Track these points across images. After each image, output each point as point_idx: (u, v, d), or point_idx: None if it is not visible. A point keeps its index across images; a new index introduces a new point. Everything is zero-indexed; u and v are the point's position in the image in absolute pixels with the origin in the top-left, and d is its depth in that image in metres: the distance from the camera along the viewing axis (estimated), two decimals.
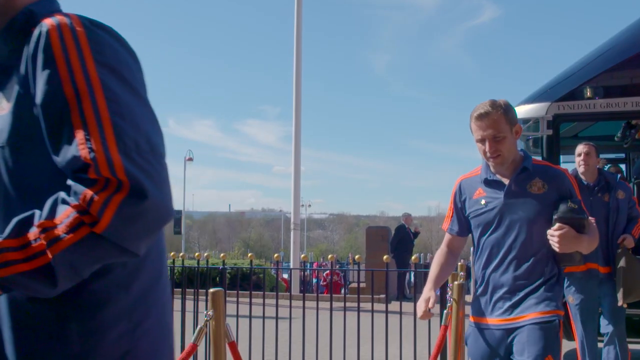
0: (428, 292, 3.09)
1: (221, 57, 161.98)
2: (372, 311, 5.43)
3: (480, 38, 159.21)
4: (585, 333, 4.98)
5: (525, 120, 6.69)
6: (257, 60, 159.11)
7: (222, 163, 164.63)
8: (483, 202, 2.94)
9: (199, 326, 2.69)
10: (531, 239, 2.82)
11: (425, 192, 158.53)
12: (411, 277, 17.99)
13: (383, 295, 5.57)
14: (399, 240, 15.02)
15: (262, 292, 6.05)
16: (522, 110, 6.75)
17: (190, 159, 36.19)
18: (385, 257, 5.42)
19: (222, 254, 6.25)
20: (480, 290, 2.98)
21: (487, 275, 2.93)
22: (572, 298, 5.04)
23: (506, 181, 2.92)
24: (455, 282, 3.82)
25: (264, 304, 5.64)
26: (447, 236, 3.23)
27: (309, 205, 70.71)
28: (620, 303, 4.85)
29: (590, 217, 2.88)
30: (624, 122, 6.96)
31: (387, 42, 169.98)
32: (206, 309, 2.90)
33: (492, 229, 2.91)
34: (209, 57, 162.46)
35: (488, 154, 2.83)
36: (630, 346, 4.87)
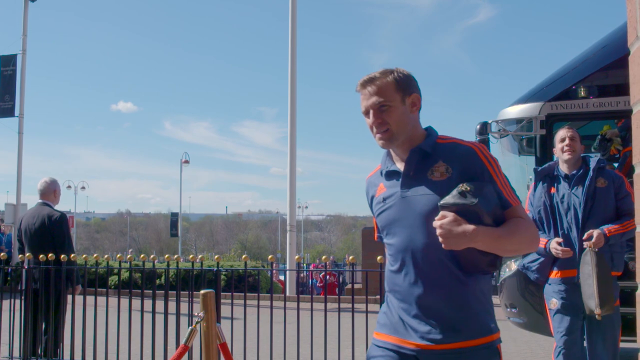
0: None
1: (218, 59, 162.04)
2: (367, 312, 5.43)
3: (477, 37, 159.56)
4: (565, 343, 4.29)
5: (519, 120, 6.70)
6: (254, 61, 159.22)
7: (219, 165, 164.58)
8: (382, 199, 2.37)
9: (189, 328, 2.68)
10: (435, 243, 2.14)
11: None
12: None
13: (378, 296, 5.56)
14: None
15: (257, 294, 6.04)
16: (516, 110, 6.76)
17: (187, 161, 36.15)
18: (379, 257, 5.40)
19: (216, 256, 6.24)
20: (391, 303, 2.35)
21: (396, 285, 2.32)
22: (554, 301, 4.39)
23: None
24: None
25: (258, 306, 5.64)
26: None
27: (306, 207, 70.70)
28: (597, 312, 4.03)
29: (515, 206, 2.23)
30: (599, 136, 6.89)
31: (385, 42, 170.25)
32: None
33: (392, 231, 2.32)
34: (205, 58, 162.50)
35: (374, 129, 2.29)
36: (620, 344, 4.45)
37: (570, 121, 7.27)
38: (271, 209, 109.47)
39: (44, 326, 6.34)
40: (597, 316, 4.05)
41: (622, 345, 6.26)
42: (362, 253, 15.25)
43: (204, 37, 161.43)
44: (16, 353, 6.40)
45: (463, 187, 2.10)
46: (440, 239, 2.08)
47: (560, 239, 4.29)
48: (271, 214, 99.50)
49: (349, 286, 16.70)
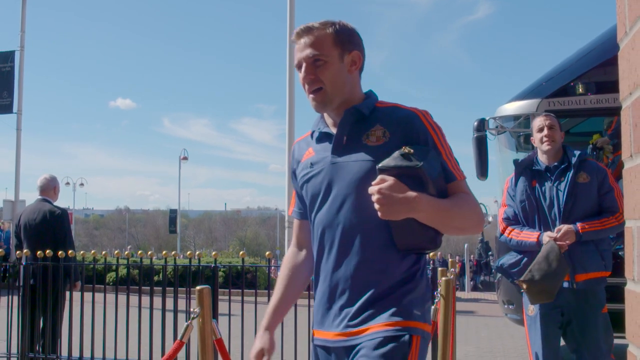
0: (261, 335, 2.17)
1: (216, 56, 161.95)
2: None
3: (475, 34, 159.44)
4: (543, 353, 3.93)
5: (516, 117, 6.72)
6: (253, 58, 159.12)
7: (218, 162, 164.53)
8: (310, 164, 2.08)
9: (185, 324, 2.69)
10: (367, 215, 1.89)
11: None
12: None
13: None
14: None
15: (254, 291, 6.05)
16: (513, 107, 6.78)
17: (185, 158, 36.14)
18: None
19: (213, 252, 6.25)
20: (317, 292, 2.08)
21: (321, 271, 2.05)
22: (531, 308, 3.97)
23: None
24: (444, 278, 3.81)
25: (255, 302, 5.65)
26: (294, 224, 2.26)
27: None
28: (518, 279, 3.85)
29: (460, 180, 1.98)
30: (590, 145, 6.86)
31: (383, 39, 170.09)
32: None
33: (319, 202, 2.03)
34: (204, 56, 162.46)
35: (306, 87, 2.02)
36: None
37: (568, 118, 7.30)
38: (270, 205, 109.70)
39: (41, 323, 6.35)
40: (518, 283, 3.86)
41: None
42: None
43: (202, 35, 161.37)
44: (14, 350, 6.41)
45: (406, 149, 1.84)
46: (376, 206, 1.79)
47: (553, 234, 3.88)
48: (270, 210, 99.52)
49: None
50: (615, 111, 6.62)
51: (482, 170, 6.74)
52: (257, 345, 2.13)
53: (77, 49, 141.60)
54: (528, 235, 4.00)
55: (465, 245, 26.45)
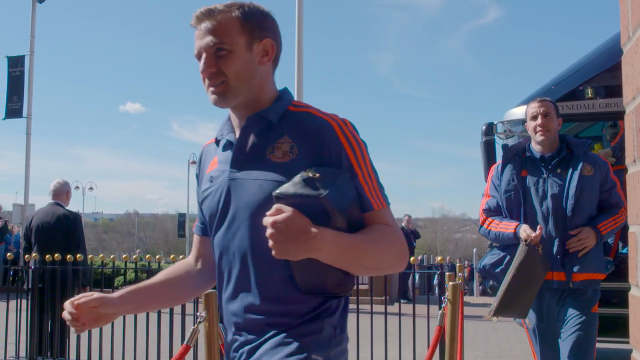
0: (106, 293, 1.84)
1: None
2: (372, 312, 5.44)
3: (484, 38, 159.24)
4: None
5: (525, 121, 6.68)
6: None
7: None
8: (210, 178, 1.77)
9: (191, 328, 2.70)
10: (265, 245, 1.49)
11: (429, 192, 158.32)
12: (415, 278, 18.03)
13: (383, 297, 5.56)
14: None
15: None
16: (522, 111, 6.74)
17: (194, 162, 36.18)
18: None
19: None
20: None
21: (222, 299, 1.75)
22: (527, 320, 3.63)
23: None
24: (451, 283, 3.79)
25: None
26: (194, 239, 1.96)
27: None
28: (486, 315, 3.52)
29: (380, 210, 1.62)
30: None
31: (391, 42, 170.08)
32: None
33: (216, 223, 1.72)
34: None
35: (205, 81, 1.68)
36: (599, 345, 3.92)
37: (577, 122, 7.27)
38: None
39: (50, 326, 6.38)
40: (485, 317, 3.52)
41: (615, 346, 6.26)
42: None
43: None
44: (22, 353, 6.43)
45: (309, 172, 1.50)
46: (270, 243, 1.45)
47: (530, 232, 3.47)
48: None
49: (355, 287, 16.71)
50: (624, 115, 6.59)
51: None
52: (92, 293, 1.76)
53: (87, 53, 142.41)
54: (506, 226, 3.61)
55: (474, 250, 26.39)
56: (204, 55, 1.65)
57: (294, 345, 1.56)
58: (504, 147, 3.86)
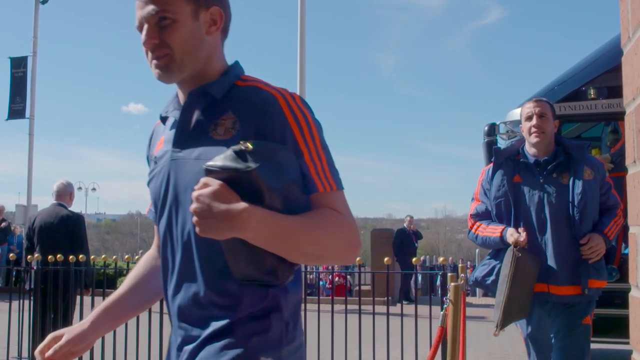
0: (75, 326, 1.73)
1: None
2: (374, 313, 5.43)
3: (486, 38, 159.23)
4: None
5: None
6: (263, 63, 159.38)
7: None
8: (155, 159, 1.66)
9: None
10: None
11: (432, 193, 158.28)
12: (418, 278, 18.03)
13: (385, 298, 5.57)
14: (400, 243, 15.14)
15: None
16: None
17: None
18: (386, 259, 5.41)
19: None
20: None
21: (167, 291, 1.60)
22: (521, 329, 3.52)
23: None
24: (453, 284, 3.79)
25: None
26: (154, 228, 1.79)
27: None
28: (494, 332, 3.32)
29: (327, 192, 1.48)
30: None
31: (394, 43, 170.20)
32: None
33: (159, 207, 1.61)
34: None
35: (148, 54, 1.54)
36: (594, 346, 3.86)
37: (579, 122, 7.27)
38: None
39: (52, 326, 6.39)
40: (493, 334, 3.32)
41: (616, 347, 6.25)
42: (372, 255, 15.26)
43: None
44: (25, 353, 6.45)
45: (243, 145, 1.35)
46: (193, 219, 1.33)
47: (517, 235, 3.32)
48: None
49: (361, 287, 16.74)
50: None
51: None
52: (61, 330, 1.71)
53: (90, 53, 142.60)
54: (492, 230, 3.46)
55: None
56: (145, 26, 1.52)
57: (238, 350, 1.43)
58: (495, 150, 3.68)
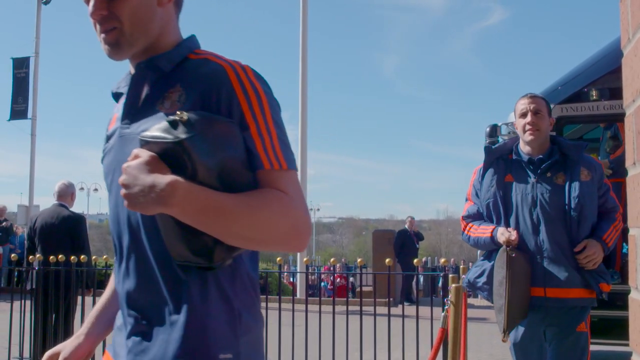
0: (71, 339, 1.67)
1: None
2: (375, 315, 5.43)
3: (489, 40, 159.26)
4: None
5: None
6: (265, 64, 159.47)
7: None
8: (107, 137, 1.58)
9: None
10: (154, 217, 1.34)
11: (434, 194, 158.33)
12: (420, 280, 18.03)
13: (387, 299, 5.56)
14: (402, 244, 15.14)
15: (265, 296, 6.06)
16: None
17: None
18: (387, 260, 5.40)
19: None
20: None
21: (118, 280, 1.51)
22: (508, 336, 3.32)
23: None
24: (454, 285, 3.78)
25: (267, 308, 5.64)
26: None
27: (318, 209, 70.70)
28: (503, 339, 3.24)
29: (275, 170, 1.35)
30: None
31: (396, 44, 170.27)
32: None
33: (109, 187, 1.53)
34: None
35: (97, 26, 1.46)
36: (594, 347, 3.81)
37: (581, 124, 7.26)
38: None
39: (53, 327, 6.39)
40: (502, 340, 3.22)
41: (616, 349, 6.24)
42: (373, 256, 15.26)
43: (215, 41, 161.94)
44: (26, 354, 6.45)
45: (180, 115, 1.27)
46: (121, 192, 1.26)
47: (508, 234, 3.22)
48: None
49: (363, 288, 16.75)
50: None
51: None
52: (56, 347, 1.66)
53: (92, 54, 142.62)
54: (483, 231, 3.37)
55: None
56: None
57: (191, 339, 1.32)
58: (486, 148, 3.50)
